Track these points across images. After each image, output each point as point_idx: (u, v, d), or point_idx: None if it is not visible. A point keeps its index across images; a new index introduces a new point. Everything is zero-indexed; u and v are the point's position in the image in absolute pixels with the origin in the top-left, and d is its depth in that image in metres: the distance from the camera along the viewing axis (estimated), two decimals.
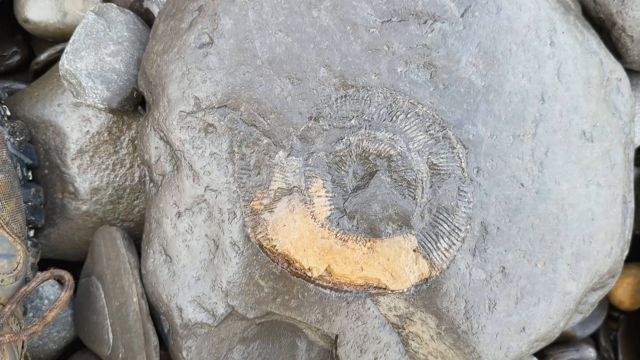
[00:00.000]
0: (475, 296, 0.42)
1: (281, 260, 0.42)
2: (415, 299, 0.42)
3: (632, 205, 0.49)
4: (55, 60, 0.52)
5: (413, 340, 0.43)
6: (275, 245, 0.42)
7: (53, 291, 0.50)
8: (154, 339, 0.42)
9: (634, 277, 0.63)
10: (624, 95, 0.48)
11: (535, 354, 0.59)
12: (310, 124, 0.42)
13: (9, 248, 0.42)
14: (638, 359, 0.64)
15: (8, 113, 0.47)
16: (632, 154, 0.49)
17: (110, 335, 0.44)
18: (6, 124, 0.46)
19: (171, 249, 0.43)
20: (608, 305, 0.65)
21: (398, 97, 0.42)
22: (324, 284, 0.43)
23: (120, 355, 0.44)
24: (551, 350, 0.61)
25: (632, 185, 0.49)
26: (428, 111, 0.42)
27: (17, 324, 0.42)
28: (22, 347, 0.43)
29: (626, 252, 0.49)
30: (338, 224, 0.42)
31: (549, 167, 0.44)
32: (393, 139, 0.42)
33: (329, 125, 0.42)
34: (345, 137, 0.42)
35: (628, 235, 0.49)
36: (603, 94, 0.47)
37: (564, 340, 0.62)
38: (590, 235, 0.45)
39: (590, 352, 0.61)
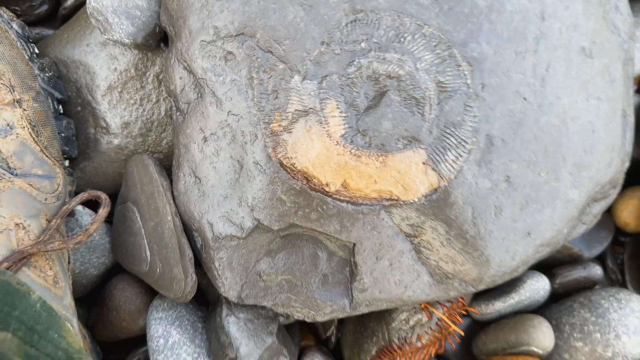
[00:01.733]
0: (482, 204, 0.45)
1: (300, 177, 0.46)
2: (426, 209, 0.46)
3: (632, 119, 0.51)
4: (80, 5, 0.55)
5: (425, 248, 0.47)
6: (295, 164, 0.45)
7: (89, 220, 0.54)
8: (188, 252, 0.46)
9: (638, 199, 0.65)
10: (623, 14, 0.50)
11: (545, 273, 0.63)
12: (322, 49, 0.45)
13: (49, 170, 0.47)
14: None
15: (37, 51, 0.50)
16: (631, 71, 0.51)
17: (148, 253, 0.48)
18: (36, 61, 0.50)
19: (200, 171, 0.47)
20: (615, 228, 0.68)
21: (405, 20, 0.45)
22: (341, 197, 0.46)
23: (158, 270, 0.48)
24: (559, 269, 0.64)
25: (631, 100, 0.51)
26: (434, 32, 0.45)
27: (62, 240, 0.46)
28: (69, 262, 0.48)
29: (627, 164, 0.52)
30: (352, 141, 0.45)
31: (550, 82, 0.46)
32: (401, 60, 0.45)
33: (341, 49, 0.45)
34: (356, 60, 0.45)
35: (628, 148, 0.51)
36: (602, 12, 0.49)
37: (572, 260, 0.65)
38: (591, 146, 0.47)
39: (597, 269, 0.64)
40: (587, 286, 0.64)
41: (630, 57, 0.51)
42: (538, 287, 0.60)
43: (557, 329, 0.61)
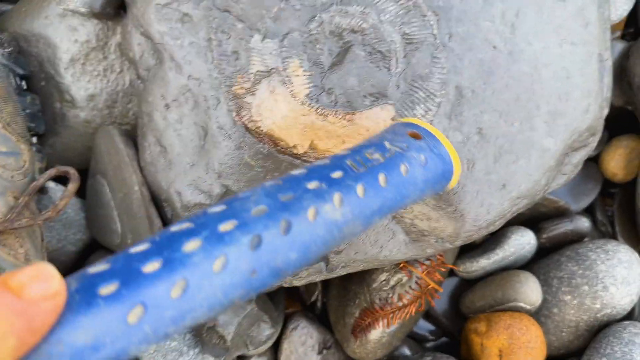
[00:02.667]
0: None
1: (267, 140, 0.45)
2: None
3: (609, 63, 0.49)
4: None
5: None
6: (260, 127, 0.44)
7: (60, 196, 0.53)
8: (157, 222, 0.46)
9: (624, 148, 0.64)
10: None
11: (531, 228, 0.62)
12: (282, 5, 0.43)
13: (14, 147, 0.46)
14: (633, 229, 0.66)
15: None
16: (607, 13, 0.49)
17: (118, 225, 0.48)
18: None
19: (165, 140, 0.46)
20: (602, 180, 0.67)
21: None
22: (310, 159, 0.45)
23: (129, 241, 0.47)
24: (546, 224, 0.63)
25: (608, 44, 0.49)
26: None
27: (31, 216, 0.45)
28: (42, 240, 0.47)
29: (606, 110, 0.50)
30: (317, 100, 0.44)
31: (521, 28, 0.45)
32: (364, 13, 0.43)
33: (301, 4, 0.43)
34: (318, 15, 0.43)
35: (607, 93, 0.49)
36: None
37: (559, 214, 0.64)
38: (566, 93, 0.46)
39: (584, 222, 0.63)
40: (574, 239, 0.63)
41: None
42: (523, 242, 0.59)
43: (545, 284, 0.60)
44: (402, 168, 0.32)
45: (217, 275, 0.23)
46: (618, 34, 0.65)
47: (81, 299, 0.21)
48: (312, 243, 0.26)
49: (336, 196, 0.28)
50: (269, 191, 0.27)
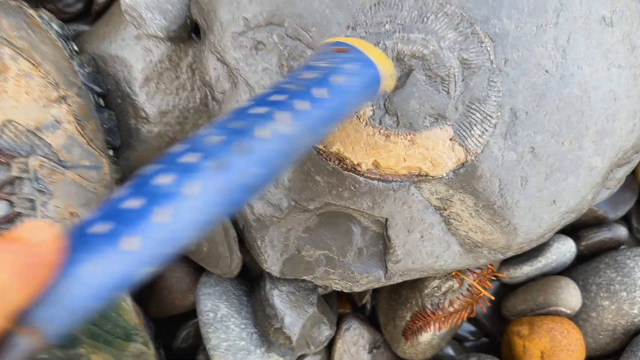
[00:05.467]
0: (508, 175, 0.47)
1: (333, 159, 0.48)
2: (454, 182, 0.48)
3: None
4: (112, 0, 0.57)
5: (454, 219, 0.49)
6: (327, 146, 0.48)
7: None
8: (232, 231, 0.50)
9: None
10: None
11: (570, 235, 0.65)
12: (348, 33, 0.47)
13: (96, 161, 0.50)
14: None
15: (76, 48, 0.53)
16: None
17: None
18: (75, 58, 0.52)
19: None
20: (639, 189, 0.69)
21: None
22: (372, 176, 0.48)
23: (204, 248, 0.51)
24: (585, 232, 0.66)
25: None
26: (456, 10, 0.46)
27: None
28: None
29: None
30: (380, 122, 0.47)
31: (571, 53, 0.47)
32: (425, 39, 0.46)
33: (366, 32, 0.47)
34: (381, 42, 0.47)
35: None
36: None
37: (597, 222, 0.67)
38: (613, 114, 0.49)
39: (622, 230, 0.65)
40: (612, 247, 0.66)
41: None
42: (564, 249, 0.62)
43: (584, 289, 0.63)
44: (339, 79, 0.35)
45: (195, 198, 0.26)
46: None
47: (80, 240, 0.24)
48: (272, 157, 0.30)
49: (284, 115, 0.31)
50: (222, 125, 0.30)
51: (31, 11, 0.50)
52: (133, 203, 0.25)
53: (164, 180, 0.26)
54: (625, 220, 0.71)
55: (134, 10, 0.50)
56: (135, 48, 0.54)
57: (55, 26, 0.51)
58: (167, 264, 0.27)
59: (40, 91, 0.49)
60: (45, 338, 0.22)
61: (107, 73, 0.55)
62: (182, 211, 0.25)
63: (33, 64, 0.48)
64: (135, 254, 0.24)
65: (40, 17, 0.50)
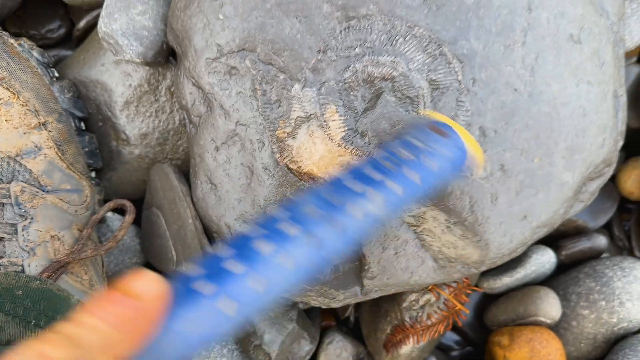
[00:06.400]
0: (478, 192, 0.48)
1: (307, 178, 0.49)
2: (426, 200, 0.49)
3: (623, 99, 0.53)
4: (93, 25, 0.59)
5: (427, 235, 0.50)
6: (301, 166, 0.49)
7: (119, 225, 0.59)
8: (209, 251, 0.51)
9: None
10: None
11: (550, 245, 0.66)
12: (319, 57, 0.48)
13: (77, 184, 0.51)
14: None
15: (56, 74, 0.54)
16: (621, 52, 0.53)
17: (174, 253, 0.53)
18: (56, 84, 0.54)
19: (215, 178, 0.51)
20: (619, 198, 0.70)
21: (396, 23, 0.47)
22: None
23: (183, 268, 0.52)
24: (564, 242, 0.67)
25: (622, 81, 0.53)
26: (424, 32, 0.47)
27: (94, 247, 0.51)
28: (102, 266, 0.53)
29: (620, 143, 0.53)
30: (352, 142, 0.48)
31: (540, 71, 0.48)
32: (394, 62, 0.47)
33: (336, 55, 0.48)
34: (352, 65, 0.48)
35: (621, 127, 0.53)
36: None
37: (578, 232, 0.68)
38: (582, 130, 0.50)
39: (602, 240, 0.66)
40: (592, 256, 0.66)
41: (621, 38, 0.53)
42: (543, 260, 0.63)
43: (564, 299, 0.64)
44: (433, 165, 0.36)
45: (289, 271, 0.28)
46: (634, 59, 0.68)
47: (186, 296, 0.25)
48: (359, 236, 0.32)
49: (378, 196, 0.32)
50: (321, 196, 0.31)
51: (11, 40, 0.51)
52: (236, 267, 0.26)
53: (264, 248, 0.27)
54: (607, 229, 0.71)
55: (111, 37, 0.51)
56: (115, 73, 0.55)
57: (35, 54, 0.53)
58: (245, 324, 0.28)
59: (20, 118, 0.50)
60: None
61: (87, 97, 0.56)
62: (276, 282, 0.27)
63: (12, 93, 0.49)
64: (230, 317, 0.25)
65: (21, 45, 0.52)
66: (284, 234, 0.28)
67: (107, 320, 0.22)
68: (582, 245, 0.66)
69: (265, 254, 0.27)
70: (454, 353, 0.71)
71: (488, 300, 0.68)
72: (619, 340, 0.63)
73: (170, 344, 0.24)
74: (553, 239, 0.67)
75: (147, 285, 0.24)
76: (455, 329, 0.70)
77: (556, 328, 0.64)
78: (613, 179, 0.70)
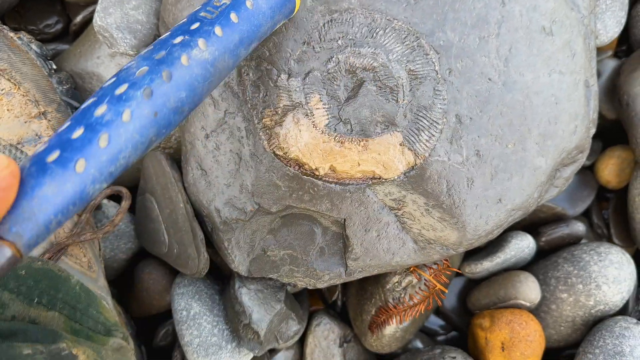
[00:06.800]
0: (455, 176, 0.51)
1: (293, 164, 0.52)
2: (405, 184, 0.51)
3: (595, 88, 0.55)
4: (89, 20, 0.61)
5: (407, 218, 0.53)
6: (287, 153, 0.51)
7: (115, 211, 0.61)
8: (199, 234, 0.53)
9: (617, 158, 0.70)
10: None
11: (530, 232, 0.68)
12: (304, 49, 0.50)
13: None
14: (626, 231, 0.72)
15: (54, 67, 0.57)
16: (593, 43, 0.55)
17: (166, 237, 0.56)
18: (54, 76, 0.56)
19: (205, 164, 0.53)
20: (598, 186, 0.73)
21: (376, 16, 0.50)
22: (330, 179, 0.52)
23: (175, 250, 0.55)
24: (544, 228, 0.69)
25: (594, 71, 0.55)
26: (403, 25, 0.50)
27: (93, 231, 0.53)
28: (100, 249, 0.55)
29: (593, 130, 0.56)
30: (335, 129, 0.51)
31: (513, 61, 0.51)
32: (375, 53, 0.50)
33: (320, 47, 0.50)
34: (335, 56, 0.50)
35: (593, 115, 0.56)
36: None
37: (557, 219, 0.70)
38: (555, 117, 0.52)
39: (579, 226, 0.69)
40: (571, 242, 0.69)
41: (591, 31, 0.55)
42: (522, 245, 0.65)
43: (544, 283, 0.66)
44: (248, 3, 0.39)
45: (128, 123, 0.31)
46: (610, 53, 0.71)
47: (38, 167, 0.28)
48: (194, 81, 0.35)
49: (200, 41, 0.35)
50: (145, 56, 0.34)
51: (11, 34, 0.54)
52: (77, 133, 0.30)
53: (99, 110, 0.31)
54: (586, 216, 0.74)
55: (106, 31, 0.54)
56: (110, 65, 0.57)
57: (34, 47, 0.55)
58: (113, 180, 0.32)
59: (21, 108, 0.52)
60: (20, 249, 0.27)
61: (84, 89, 0.58)
62: (117, 135, 0.30)
63: (14, 83, 0.52)
64: (83, 175, 0.29)
65: (20, 38, 0.54)
66: (113, 95, 0.31)
67: None
68: (560, 231, 0.68)
69: (98, 115, 0.30)
70: (440, 337, 0.73)
71: (471, 286, 0.71)
72: (596, 322, 0.65)
73: (35, 208, 0.27)
74: (533, 226, 0.70)
75: None
76: (439, 313, 0.72)
77: (537, 312, 0.66)
78: (591, 169, 0.73)
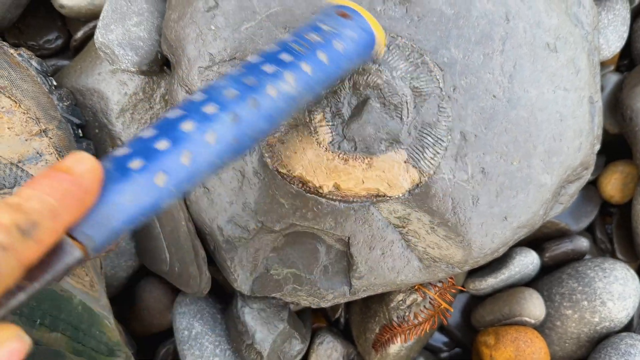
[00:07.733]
0: (460, 194, 0.50)
1: (296, 182, 0.51)
2: (410, 202, 0.51)
3: (599, 104, 0.55)
4: (89, 36, 0.61)
5: (412, 236, 0.52)
6: (290, 171, 0.51)
7: None
8: (201, 252, 0.53)
9: (620, 173, 0.70)
10: (585, 7, 0.54)
11: (534, 248, 0.68)
12: None
13: None
14: (631, 246, 0.71)
15: (55, 83, 0.56)
16: (596, 59, 0.55)
17: (167, 255, 0.55)
18: (55, 92, 0.56)
19: (207, 182, 0.53)
20: (601, 201, 0.72)
21: None
22: (334, 197, 0.51)
23: (176, 268, 0.54)
24: (548, 244, 0.69)
25: (598, 87, 0.55)
26: (407, 42, 0.50)
27: None
28: (101, 268, 0.54)
29: (597, 147, 0.56)
30: (339, 147, 0.50)
31: (518, 78, 0.51)
32: (379, 70, 0.50)
33: None
34: None
35: (597, 131, 0.55)
36: (565, 8, 0.53)
37: (561, 234, 0.70)
38: (560, 134, 0.52)
39: (583, 242, 0.68)
40: (575, 257, 0.68)
41: (595, 47, 0.55)
42: (527, 261, 0.65)
43: (548, 299, 0.66)
44: (338, 45, 0.39)
45: (212, 145, 0.31)
46: (612, 67, 0.71)
47: (121, 173, 0.28)
48: (275, 113, 0.35)
49: (289, 76, 0.36)
50: (234, 78, 0.35)
51: (11, 50, 0.53)
52: (162, 145, 0.30)
53: (186, 126, 0.31)
54: (590, 231, 0.73)
55: (107, 48, 0.53)
56: (111, 81, 0.57)
57: (34, 63, 0.55)
58: (184, 197, 0.32)
59: (21, 126, 0.52)
60: (88, 251, 0.26)
61: (85, 105, 0.58)
62: (200, 156, 0.31)
63: (14, 101, 0.51)
64: (162, 188, 0.29)
65: (20, 55, 0.54)
66: (203, 113, 0.32)
67: (45, 191, 0.25)
68: (564, 247, 0.68)
69: (186, 131, 0.31)
70: (443, 354, 0.72)
71: (475, 302, 0.70)
72: (602, 339, 0.64)
73: (110, 214, 0.27)
74: (537, 242, 0.69)
75: (78, 161, 0.27)
76: (443, 329, 0.71)
77: (542, 328, 0.65)
78: (594, 183, 0.72)
